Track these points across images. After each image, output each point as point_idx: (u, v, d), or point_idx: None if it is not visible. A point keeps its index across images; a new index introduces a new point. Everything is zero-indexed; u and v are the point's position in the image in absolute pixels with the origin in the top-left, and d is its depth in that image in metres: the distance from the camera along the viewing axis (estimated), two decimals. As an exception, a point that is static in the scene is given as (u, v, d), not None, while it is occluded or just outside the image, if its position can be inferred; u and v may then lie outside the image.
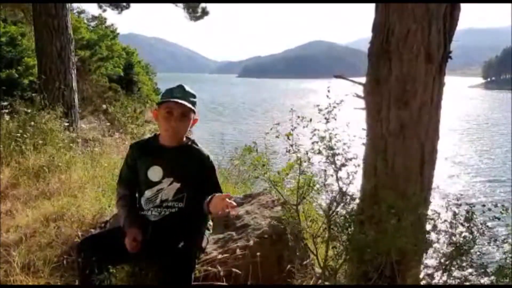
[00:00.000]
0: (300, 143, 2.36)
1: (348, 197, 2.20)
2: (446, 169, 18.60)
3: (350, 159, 2.23)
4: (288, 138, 2.31)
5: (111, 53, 17.50)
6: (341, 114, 2.27)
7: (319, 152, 2.24)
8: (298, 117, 2.29)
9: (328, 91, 2.28)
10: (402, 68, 2.16)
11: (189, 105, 2.07)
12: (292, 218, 2.40)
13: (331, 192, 2.24)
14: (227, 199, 1.79)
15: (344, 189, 2.21)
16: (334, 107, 2.24)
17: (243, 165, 4.55)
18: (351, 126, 2.27)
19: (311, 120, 2.27)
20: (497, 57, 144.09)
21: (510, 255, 1.88)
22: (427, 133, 2.23)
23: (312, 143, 2.26)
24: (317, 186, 2.32)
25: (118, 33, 19.72)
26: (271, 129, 2.40)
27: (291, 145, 2.32)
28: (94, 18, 18.50)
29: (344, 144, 2.22)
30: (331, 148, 2.22)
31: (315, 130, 2.24)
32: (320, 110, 2.25)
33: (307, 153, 2.30)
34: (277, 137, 2.37)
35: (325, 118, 2.24)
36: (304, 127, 2.28)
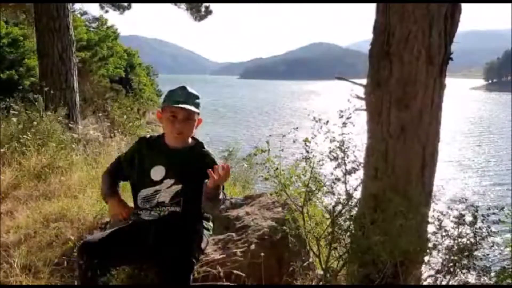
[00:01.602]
0: (312, 145, 2.35)
1: (354, 200, 2.20)
2: (454, 173, 18.54)
3: (361, 164, 2.23)
4: (305, 144, 2.31)
5: (112, 53, 17.52)
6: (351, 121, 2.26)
7: (335, 158, 2.23)
8: (314, 118, 2.27)
9: (351, 95, 2.28)
10: (403, 70, 2.16)
11: (193, 109, 2.08)
12: (296, 219, 2.40)
13: (337, 195, 2.24)
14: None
15: (351, 192, 2.21)
16: (353, 111, 2.23)
17: (251, 166, 4.55)
18: (356, 128, 2.27)
19: (327, 122, 2.26)
20: (498, 59, 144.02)
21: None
22: (428, 135, 2.23)
23: (330, 150, 2.25)
24: (324, 188, 2.31)
25: (119, 34, 19.73)
26: (288, 133, 2.42)
27: (307, 151, 2.31)
28: (95, 19, 18.51)
29: (355, 146, 2.22)
30: (344, 152, 2.21)
31: (328, 132, 2.24)
32: (341, 116, 2.23)
33: (322, 159, 2.29)
34: (294, 141, 2.41)
35: (343, 123, 2.22)
36: (318, 129, 2.26)
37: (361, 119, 2.35)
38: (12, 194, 3.83)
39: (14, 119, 5.38)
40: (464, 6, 2.18)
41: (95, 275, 1.92)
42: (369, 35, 2.32)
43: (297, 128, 2.42)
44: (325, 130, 2.25)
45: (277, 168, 2.41)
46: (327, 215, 2.33)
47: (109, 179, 2.24)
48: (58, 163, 4.48)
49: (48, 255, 2.68)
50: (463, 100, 62.27)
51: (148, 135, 2.32)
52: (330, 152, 2.25)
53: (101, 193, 2.20)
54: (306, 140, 2.31)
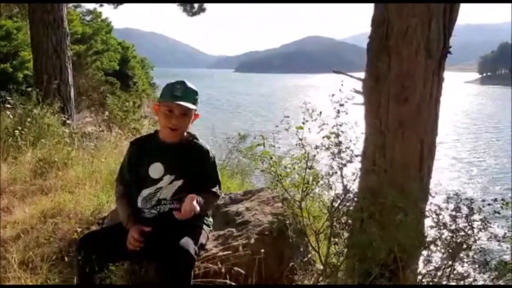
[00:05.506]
0: (307, 138, 2.34)
1: (351, 194, 2.20)
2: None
3: (357, 156, 2.22)
4: (298, 131, 2.29)
5: (106, 46, 17.41)
6: (344, 109, 2.25)
7: (328, 148, 2.22)
8: (308, 110, 2.25)
9: (342, 85, 2.24)
10: (402, 64, 2.15)
11: (191, 106, 2.05)
12: (294, 214, 2.39)
13: (335, 189, 2.23)
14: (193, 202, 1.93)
15: (348, 187, 2.20)
16: (346, 101, 2.20)
17: (248, 159, 4.52)
18: (354, 122, 2.25)
19: (320, 113, 2.23)
20: (493, 53, 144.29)
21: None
22: (426, 129, 2.23)
23: (323, 137, 2.23)
24: (321, 182, 2.30)
25: (112, 26, 19.61)
26: (281, 121, 2.37)
27: (300, 139, 2.29)
28: (89, 12, 18.34)
29: (350, 141, 2.21)
30: (338, 144, 2.20)
31: (323, 124, 2.22)
32: (335, 102, 2.19)
33: (316, 148, 2.27)
34: (286, 130, 2.35)
35: (337, 111, 2.19)
36: (313, 120, 2.23)
37: (356, 113, 2.33)
38: (8, 189, 3.81)
39: (9, 113, 5.34)
40: (463, 1, 2.17)
41: (93, 270, 1.91)
42: (365, 29, 2.30)
43: (288, 116, 2.38)
44: (320, 122, 2.23)
45: (271, 158, 2.39)
46: (325, 210, 2.33)
47: (125, 205, 2.14)
48: (54, 157, 4.45)
49: (46, 250, 2.67)
50: (458, 93, 62.40)
51: (139, 136, 2.31)
52: (323, 137, 2.22)
53: (121, 218, 2.13)
54: (299, 128, 2.29)
